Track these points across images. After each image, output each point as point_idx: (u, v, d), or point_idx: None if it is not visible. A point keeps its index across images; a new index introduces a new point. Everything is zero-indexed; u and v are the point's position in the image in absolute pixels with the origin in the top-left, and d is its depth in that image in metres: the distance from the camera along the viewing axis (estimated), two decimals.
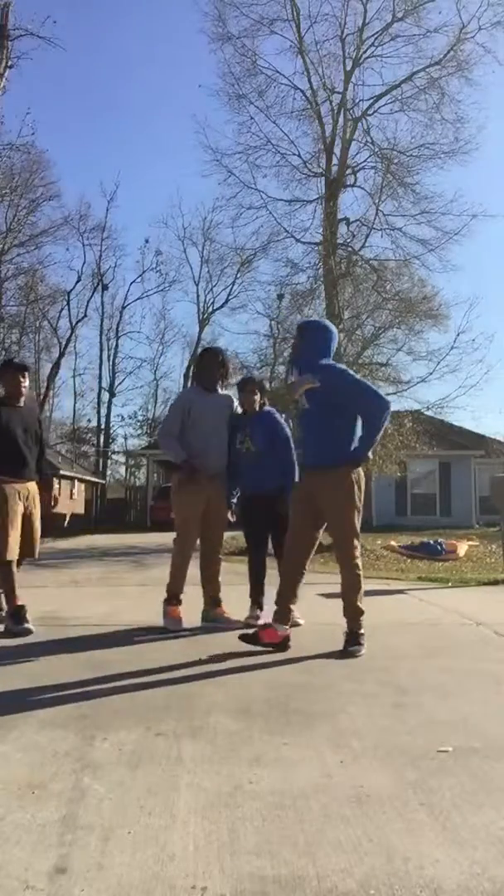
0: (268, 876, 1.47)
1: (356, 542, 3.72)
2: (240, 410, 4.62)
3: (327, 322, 4.27)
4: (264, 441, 4.50)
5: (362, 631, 3.66)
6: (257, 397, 4.65)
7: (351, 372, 3.91)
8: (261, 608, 4.52)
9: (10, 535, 4.16)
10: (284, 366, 16.72)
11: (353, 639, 3.63)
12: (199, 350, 5.80)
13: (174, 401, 5.05)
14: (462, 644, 3.94)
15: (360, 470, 3.75)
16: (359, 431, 3.73)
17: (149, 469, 27.89)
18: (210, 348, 5.28)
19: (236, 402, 4.69)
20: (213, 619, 4.44)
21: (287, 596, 3.70)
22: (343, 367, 3.97)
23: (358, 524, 3.72)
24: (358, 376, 3.92)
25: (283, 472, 4.49)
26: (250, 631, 3.76)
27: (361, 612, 3.68)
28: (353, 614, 3.67)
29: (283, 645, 3.64)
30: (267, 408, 4.75)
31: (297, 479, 4.37)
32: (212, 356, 4.78)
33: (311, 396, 3.75)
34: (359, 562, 3.72)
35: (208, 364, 4.65)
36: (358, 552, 3.73)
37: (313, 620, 4.05)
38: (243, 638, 3.67)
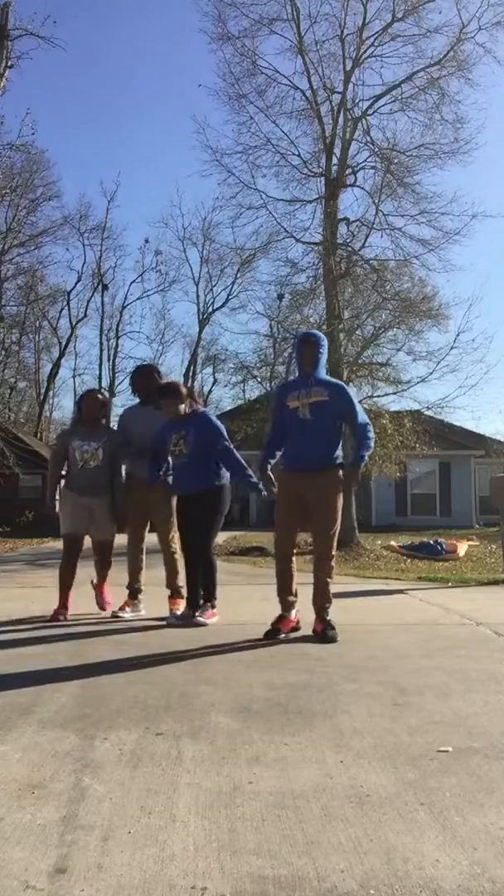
0: (268, 876, 1.47)
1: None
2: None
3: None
4: (195, 443, 4.52)
5: (329, 617, 4.06)
6: (183, 405, 4.60)
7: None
8: (193, 607, 4.55)
9: None
10: (285, 366, 16.74)
11: (328, 623, 4.00)
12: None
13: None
14: (462, 644, 3.93)
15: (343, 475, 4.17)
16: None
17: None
18: (139, 366, 5.69)
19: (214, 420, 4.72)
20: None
21: (285, 588, 4.14)
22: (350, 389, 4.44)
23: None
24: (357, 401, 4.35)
25: (232, 473, 4.58)
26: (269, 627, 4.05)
27: (331, 600, 4.09)
28: (325, 602, 4.05)
29: (296, 628, 4.15)
30: (201, 409, 4.81)
31: (252, 478, 4.59)
32: (139, 373, 5.30)
33: (319, 408, 4.09)
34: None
35: (136, 380, 5.23)
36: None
37: (312, 620, 4.05)
38: (267, 634, 3.97)
